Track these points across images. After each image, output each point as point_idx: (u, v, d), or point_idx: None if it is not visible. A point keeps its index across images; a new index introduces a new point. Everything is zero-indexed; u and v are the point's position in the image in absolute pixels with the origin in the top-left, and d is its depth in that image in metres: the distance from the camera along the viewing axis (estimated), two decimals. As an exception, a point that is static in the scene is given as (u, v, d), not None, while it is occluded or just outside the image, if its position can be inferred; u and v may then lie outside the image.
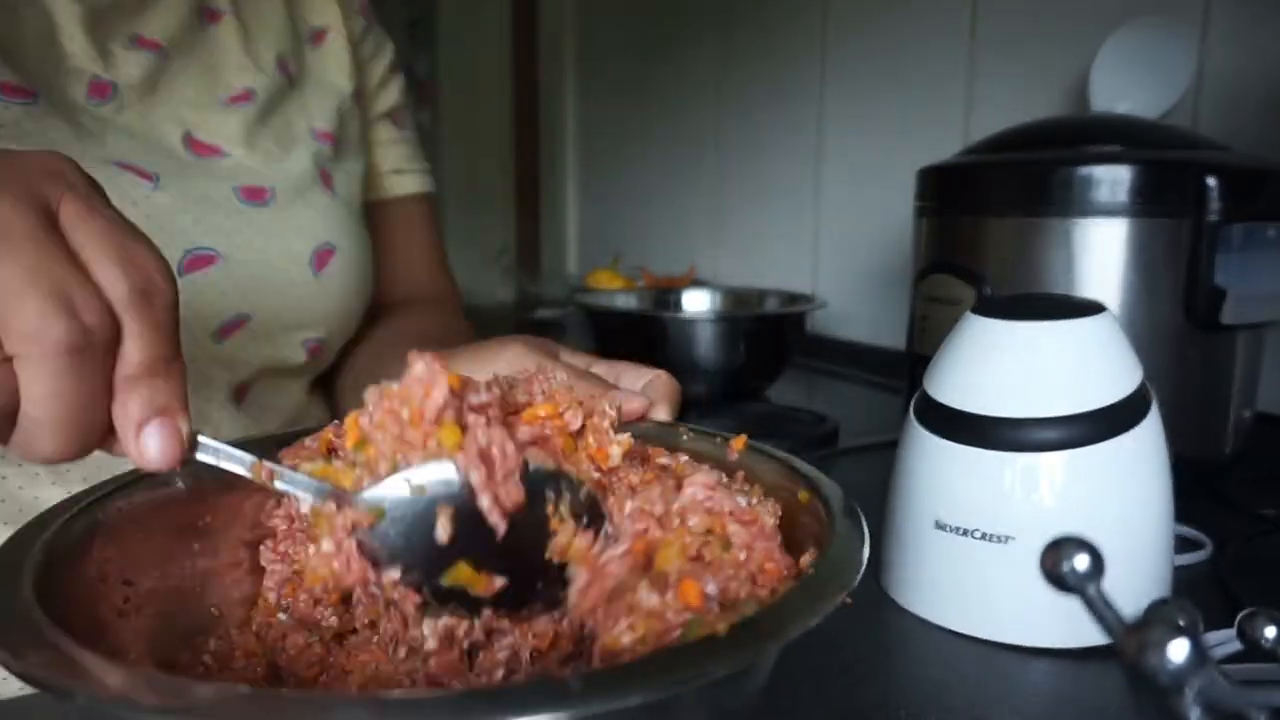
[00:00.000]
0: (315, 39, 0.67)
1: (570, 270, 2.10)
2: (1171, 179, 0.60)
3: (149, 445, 0.27)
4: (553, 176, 2.16)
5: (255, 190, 0.57)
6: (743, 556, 0.30)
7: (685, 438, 0.40)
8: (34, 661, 0.21)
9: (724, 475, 0.35)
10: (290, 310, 0.58)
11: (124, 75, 0.54)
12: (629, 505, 0.32)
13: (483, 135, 2.31)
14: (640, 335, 0.94)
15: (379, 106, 0.73)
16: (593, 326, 1.00)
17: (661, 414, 0.42)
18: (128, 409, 0.27)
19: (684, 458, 0.38)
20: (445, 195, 2.45)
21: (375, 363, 0.64)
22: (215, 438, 0.29)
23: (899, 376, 0.86)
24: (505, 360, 0.46)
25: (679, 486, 0.33)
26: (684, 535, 0.30)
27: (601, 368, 0.47)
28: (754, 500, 0.34)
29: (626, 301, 1.11)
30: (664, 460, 0.37)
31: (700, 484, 0.32)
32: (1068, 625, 0.43)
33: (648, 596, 0.28)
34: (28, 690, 0.21)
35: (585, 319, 1.02)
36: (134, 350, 0.27)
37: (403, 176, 0.75)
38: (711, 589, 0.28)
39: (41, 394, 0.25)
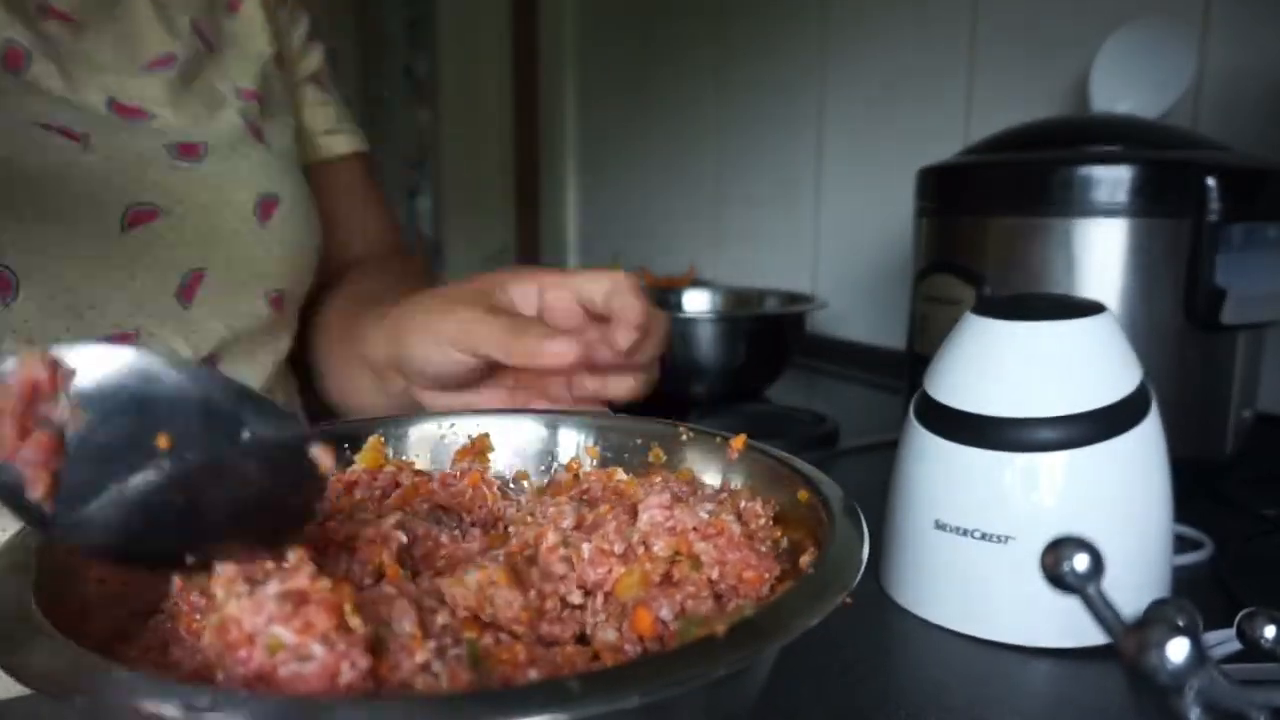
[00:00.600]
0: (230, 6, 0.68)
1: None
2: (1171, 179, 0.60)
3: None
4: (553, 176, 2.16)
5: (188, 146, 0.57)
6: (715, 574, 0.29)
7: (685, 438, 0.40)
8: (34, 663, 0.21)
9: (679, 485, 0.35)
10: (243, 261, 0.59)
11: (38, 44, 0.54)
12: (586, 548, 0.30)
13: (483, 135, 2.31)
14: (640, 335, 0.94)
15: (302, 70, 0.74)
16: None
17: (631, 313, 0.45)
18: None
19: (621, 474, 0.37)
20: (445, 195, 2.45)
21: (343, 322, 0.65)
22: None
23: (899, 376, 0.86)
24: (454, 323, 0.48)
25: (634, 513, 0.32)
26: (645, 563, 0.30)
27: (554, 291, 0.49)
28: (722, 499, 0.34)
29: (626, 301, 1.11)
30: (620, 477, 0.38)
31: (655, 506, 0.31)
32: (1068, 625, 0.43)
33: (605, 632, 0.28)
34: (28, 690, 0.21)
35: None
36: None
37: (336, 137, 0.75)
38: (666, 613, 0.28)
39: None
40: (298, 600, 0.22)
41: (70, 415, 0.22)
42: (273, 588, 0.22)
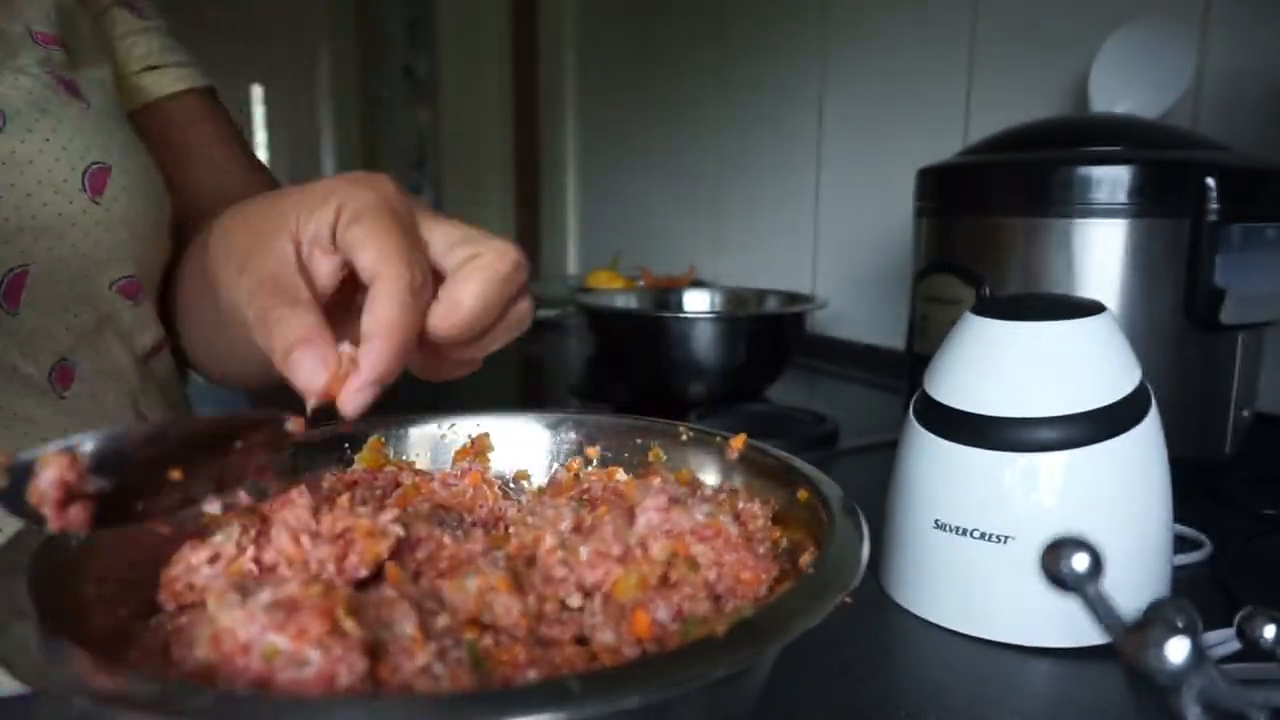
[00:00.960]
0: None
1: (570, 270, 2.10)
2: (1171, 179, 0.60)
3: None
4: (553, 176, 2.16)
5: None
6: (712, 576, 0.29)
7: (685, 438, 0.40)
8: (33, 663, 0.21)
9: (676, 487, 0.35)
10: (78, 250, 0.49)
11: None
12: (583, 550, 0.30)
13: (483, 135, 2.31)
14: (640, 335, 0.94)
15: None
16: (593, 326, 1.00)
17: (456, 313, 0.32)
18: None
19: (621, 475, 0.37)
20: (445, 195, 2.45)
21: (195, 269, 0.54)
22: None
23: (899, 376, 0.86)
24: (242, 306, 0.33)
25: (631, 515, 0.32)
26: (642, 565, 0.29)
27: (439, 246, 0.34)
28: (720, 500, 0.34)
29: (626, 301, 1.11)
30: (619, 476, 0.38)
31: (652, 508, 0.31)
32: (1068, 625, 0.43)
33: (603, 634, 0.28)
34: (28, 690, 0.21)
35: (585, 319, 1.02)
36: None
37: (161, 73, 0.61)
38: (663, 615, 0.28)
39: None
40: (289, 607, 0.22)
41: (95, 484, 0.25)
42: (264, 597, 0.23)
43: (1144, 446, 0.45)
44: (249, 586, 0.24)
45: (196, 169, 0.62)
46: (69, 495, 0.24)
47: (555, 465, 0.42)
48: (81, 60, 0.55)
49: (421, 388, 0.38)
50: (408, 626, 0.24)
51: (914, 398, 0.50)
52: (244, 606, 0.23)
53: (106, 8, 0.60)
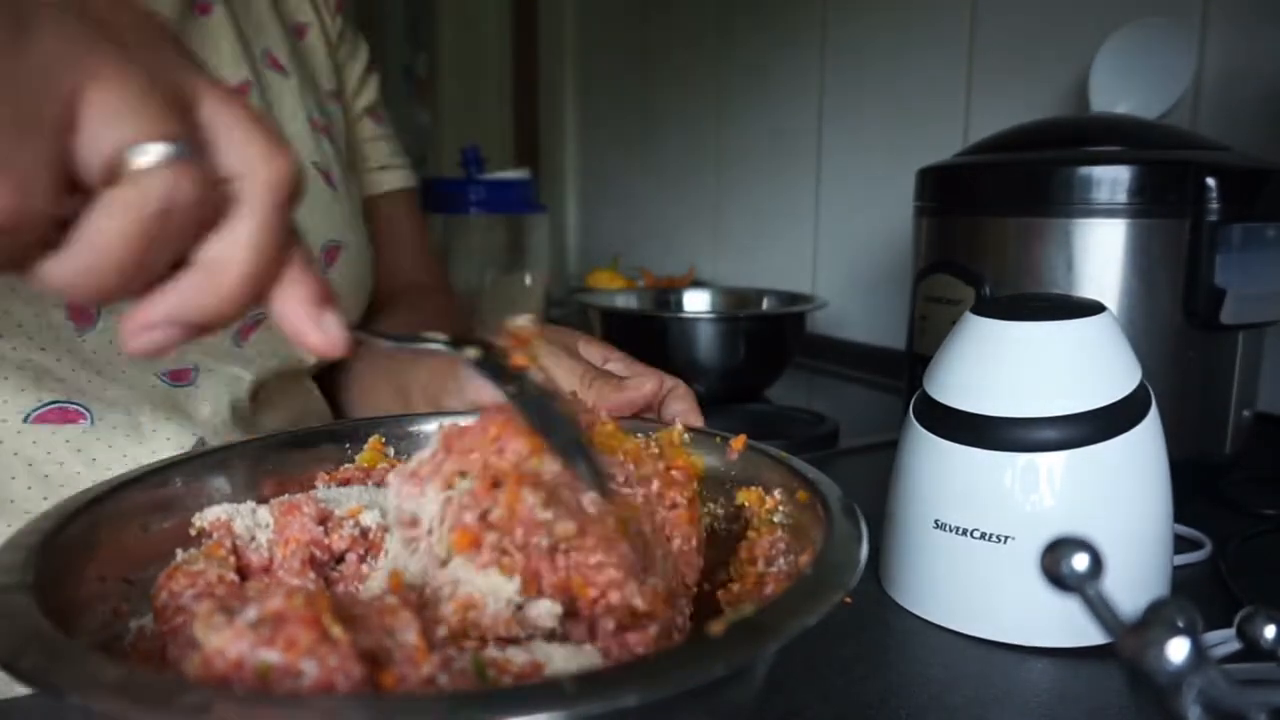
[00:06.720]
0: (299, 33, 0.68)
1: (570, 270, 2.10)
2: (1171, 179, 0.60)
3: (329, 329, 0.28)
4: (552, 177, 2.16)
5: None
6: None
7: (685, 438, 0.40)
8: (32, 662, 0.21)
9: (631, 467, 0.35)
10: None
11: None
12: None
13: (483, 135, 2.31)
14: (640, 335, 0.94)
15: (360, 104, 0.76)
16: (593, 327, 1.00)
17: (694, 420, 0.44)
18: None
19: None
20: (445, 195, 2.45)
21: (383, 360, 0.65)
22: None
23: (899, 376, 0.86)
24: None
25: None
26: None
27: (618, 364, 0.48)
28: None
29: (626, 301, 1.11)
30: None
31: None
32: (1068, 625, 0.43)
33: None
34: (28, 690, 0.21)
35: (586, 319, 1.02)
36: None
37: (389, 173, 0.78)
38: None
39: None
40: (276, 621, 0.22)
41: None
42: (250, 614, 0.22)
43: (1144, 446, 0.45)
44: (233, 605, 0.23)
45: (400, 254, 0.78)
46: None
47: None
48: (336, 148, 0.67)
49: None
50: (410, 635, 0.24)
51: (914, 398, 0.50)
52: (231, 626, 0.22)
53: (358, 117, 0.76)
